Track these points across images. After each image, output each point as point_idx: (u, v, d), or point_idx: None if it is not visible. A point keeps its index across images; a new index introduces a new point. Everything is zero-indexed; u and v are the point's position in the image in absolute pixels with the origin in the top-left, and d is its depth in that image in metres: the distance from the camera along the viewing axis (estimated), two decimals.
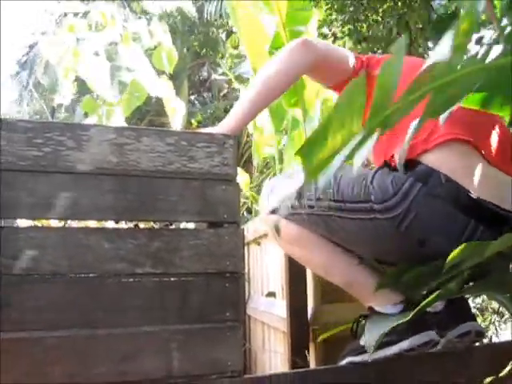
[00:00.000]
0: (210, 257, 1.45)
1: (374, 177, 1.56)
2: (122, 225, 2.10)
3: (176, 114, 6.97)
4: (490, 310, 4.01)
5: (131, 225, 1.57)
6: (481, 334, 1.64)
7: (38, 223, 1.61)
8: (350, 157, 0.82)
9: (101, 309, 1.37)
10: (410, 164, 1.51)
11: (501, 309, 3.85)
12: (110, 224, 1.75)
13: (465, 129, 1.54)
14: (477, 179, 1.49)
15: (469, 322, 1.59)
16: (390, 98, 0.80)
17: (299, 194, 1.63)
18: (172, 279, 1.42)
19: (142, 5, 11.99)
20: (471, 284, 1.58)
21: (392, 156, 1.58)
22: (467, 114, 1.35)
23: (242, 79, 8.94)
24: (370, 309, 1.66)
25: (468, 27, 0.78)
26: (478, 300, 3.89)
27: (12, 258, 1.31)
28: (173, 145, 1.46)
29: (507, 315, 3.81)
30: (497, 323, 4.01)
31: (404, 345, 1.55)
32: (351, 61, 1.79)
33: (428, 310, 1.52)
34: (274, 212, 1.72)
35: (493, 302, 3.76)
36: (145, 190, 1.43)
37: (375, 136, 0.83)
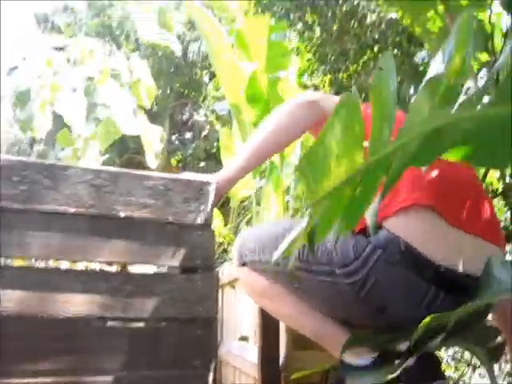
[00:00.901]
0: (182, 302, 1.44)
1: (337, 240, 1.53)
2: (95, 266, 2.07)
3: (152, 151, 6.99)
4: (462, 360, 4.01)
5: (104, 267, 1.56)
6: None
7: (12, 262, 1.59)
8: (356, 206, 0.83)
9: (70, 353, 1.34)
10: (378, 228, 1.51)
11: (473, 360, 3.85)
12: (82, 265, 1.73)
13: (426, 191, 1.52)
14: (437, 245, 1.48)
15: (438, 381, 1.58)
16: (385, 133, 0.80)
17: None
18: (143, 324, 1.40)
19: (130, 40, 12.10)
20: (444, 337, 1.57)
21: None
22: (430, 173, 1.37)
23: (223, 121, 9.01)
24: (341, 362, 1.65)
25: (458, 67, 0.79)
26: (450, 351, 3.90)
27: None
28: (150, 188, 1.46)
29: (479, 366, 3.81)
30: (469, 373, 4.00)
31: None
32: None
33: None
34: (243, 265, 1.73)
35: (466, 352, 3.76)
36: (119, 233, 1.43)
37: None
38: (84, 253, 1.41)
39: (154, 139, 6.95)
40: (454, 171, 1.57)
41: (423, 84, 0.81)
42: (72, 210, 1.39)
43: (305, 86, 3.71)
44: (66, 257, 1.45)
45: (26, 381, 1.30)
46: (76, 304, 1.36)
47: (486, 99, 0.81)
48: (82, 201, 1.40)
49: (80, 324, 1.37)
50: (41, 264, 1.77)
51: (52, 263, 1.77)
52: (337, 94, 3.44)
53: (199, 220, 1.49)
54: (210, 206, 1.51)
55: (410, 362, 1.47)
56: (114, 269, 1.64)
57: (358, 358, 1.61)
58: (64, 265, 1.67)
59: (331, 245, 1.53)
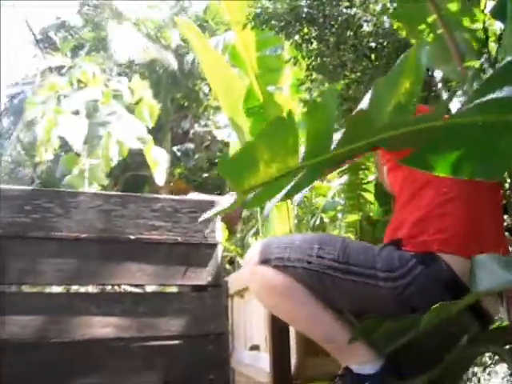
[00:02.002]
0: (194, 320, 1.49)
1: (381, 249, 1.66)
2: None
3: (158, 166, 7.03)
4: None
5: (117, 289, 1.61)
6: None
7: (27, 288, 1.64)
8: (293, 192, 0.90)
9: (88, 373, 1.39)
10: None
11: (483, 359, 3.87)
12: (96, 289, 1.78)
13: (460, 240, 1.66)
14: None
15: None
16: (326, 143, 0.87)
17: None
18: (157, 342, 1.45)
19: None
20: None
21: (400, 239, 1.68)
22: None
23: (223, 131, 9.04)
24: (347, 369, 1.68)
25: (411, 87, 0.84)
26: None
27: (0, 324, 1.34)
28: (158, 210, 1.51)
29: (491, 367, 3.83)
30: (480, 375, 4.02)
31: None
32: None
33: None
34: (264, 262, 1.74)
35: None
36: (130, 255, 1.48)
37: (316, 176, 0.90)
38: (97, 276, 1.46)
39: (159, 157, 6.99)
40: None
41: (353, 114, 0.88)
42: (84, 235, 1.44)
43: (305, 102, 3.73)
44: (79, 281, 1.50)
45: None
46: (92, 326, 1.41)
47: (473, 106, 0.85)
48: (93, 226, 1.45)
49: (96, 345, 1.41)
50: (55, 289, 1.81)
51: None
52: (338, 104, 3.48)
53: (207, 239, 1.54)
54: (217, 225, 1.56)
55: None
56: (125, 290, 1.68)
57: (366, 366, 1.64)
58: (77, 289, 1.72)
59: (376, 252, 1.65)
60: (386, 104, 0.85)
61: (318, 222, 4.58)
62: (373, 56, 3.23)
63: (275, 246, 1.75)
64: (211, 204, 1.58)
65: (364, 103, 0.88)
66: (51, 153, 6.38)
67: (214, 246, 1.54)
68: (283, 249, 1.73)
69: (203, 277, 1.52)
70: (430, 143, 0.89)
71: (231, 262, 6.03)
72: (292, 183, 0.91)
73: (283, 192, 0.93)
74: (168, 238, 1.50)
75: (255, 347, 4.17)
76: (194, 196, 1.69)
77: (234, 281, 4.68)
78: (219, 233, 1.57)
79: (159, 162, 7.21)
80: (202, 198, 1.66)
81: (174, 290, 1.62)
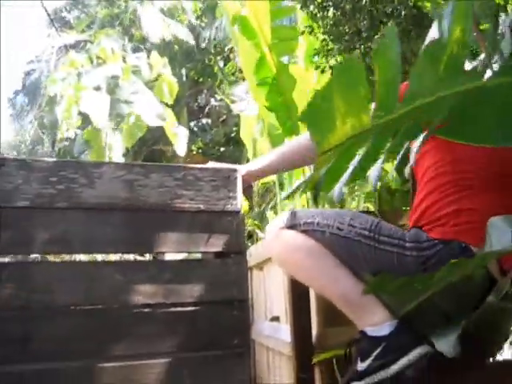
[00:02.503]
0: (217, 286, 1.51)
1: (410, 229, 1.79)
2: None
3: (179, 140, 7.07)
4: None
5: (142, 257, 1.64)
6: None
7: (54, 258, 1.67)
8: (363, 166, 0.88)
9: (115, 339, 1.43)
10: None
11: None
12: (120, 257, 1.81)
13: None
14: None
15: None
16: (392, 97, 0.84)
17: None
18: (182, 309, 1.48)
19: (141, 34, 12.14)
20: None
21: (422, 225, 1.77)
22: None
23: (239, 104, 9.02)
24: (362, 333, 1.72)
25: (458, 37, 0.82)
26: None
27: (30, 292, 1.37)
28: (180, 179, 1.53)
29: None
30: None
31: (403, 361, 1.60)
32: None
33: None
34: (291, 228, 1.79)
35: None
36: (154, 224, 1.50)
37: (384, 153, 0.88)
38: (121, 245, 1.49)
39: (178, 131, 7.03)
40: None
41: (423, 49, 0.83)
42: (108, 204, 1.47)
43: (322, 71, 3.72)
44: (104, 250, 1.53)
45: (76, 365, 1.40)
46: (117, 294, 1.44)
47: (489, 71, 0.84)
48: (117, 195, 1.48)
49: (122, 312, 1.45)
50: (81, 258, 1.85)
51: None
52: None
53: (229, 206, 1.56)
54: (238, 192, 1.58)
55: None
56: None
57: (380, 328, 1.67)
58: (102, 257, 1.75)
59: (403, 231, 1.78)
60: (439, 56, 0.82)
61: (336, 194, 4.58)
62: (389, 23, 3.22)
63: (303, 213, 1.80)
64: (233, 172, 1.60)
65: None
66: (72, 130, 6.43)
67: (235, 213, 1.57)
68: (312, 216, 1.78)
69: (226, 244, 1.54)
70: (464, 108, 0.88)
71: (250, 235, 6.07)
72: (364, 150, 0.89)
73: (354, 163, 0.90)
74: (191, 207, 1.53)
75: (275, 318, 4.22)
76: (214, 165, 1.71)
77: (253, 253, 4.72)
78: (241, 201, 1.59)
79: (179, 136, 7.25)
80: (223, 165, 1.68)
81: (197, 257, 1.65)
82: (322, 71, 3.74)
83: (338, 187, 0.97)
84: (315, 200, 1.02)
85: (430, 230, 1.74)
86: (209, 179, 1.56)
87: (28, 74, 15.58)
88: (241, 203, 1.59)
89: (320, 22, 3.61)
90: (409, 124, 0.87)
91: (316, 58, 3.98)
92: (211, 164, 1.74)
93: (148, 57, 7.26)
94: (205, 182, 1.55)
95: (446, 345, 1.48)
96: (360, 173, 0.94)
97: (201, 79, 13.91)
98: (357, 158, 0.91)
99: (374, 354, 1.65)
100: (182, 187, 1.53)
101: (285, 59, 5.25)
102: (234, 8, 5.45)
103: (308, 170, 5.27)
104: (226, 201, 1.56)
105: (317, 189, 0.98)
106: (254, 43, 5.23)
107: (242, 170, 1.72)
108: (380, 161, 0.93)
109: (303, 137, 1.90)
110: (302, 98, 5.23)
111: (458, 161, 1.77)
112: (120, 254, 1.63)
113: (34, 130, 15.36)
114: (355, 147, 0.90)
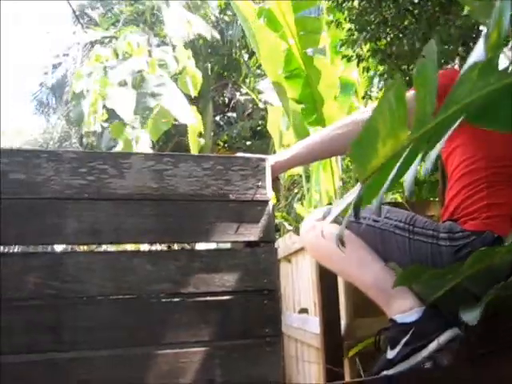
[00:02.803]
0: (248, 275, 1.51)
1: (444, 222, 1.83)
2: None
3: (197, 146, 7.08)
4: None
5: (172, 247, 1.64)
6: None
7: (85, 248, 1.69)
8: (400, 176, 0.90)
9: (146, 328, 1.43)
10: None
11: None
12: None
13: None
14: None
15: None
16: (428, 110, 0.86)
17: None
18: (213, 298, 1.48)
19: (165, 31, 12.18)
20: None
21: (456, 219, 1.81)
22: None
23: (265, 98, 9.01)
24: (391, 321, 1.72)
25: (495, 42, 0.82)
26: None
27: (61, 282, 1.38)
28: (209, 169, 1.53)
29: None
30: None
31: (433, 346, 1.60)
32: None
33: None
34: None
35: None
36: (183, 213, 1.50)
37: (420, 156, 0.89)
38: (151, 235, 1.49)
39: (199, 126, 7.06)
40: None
41: (467, 67, 0.85)
42: (137, 195, 1.47)
43: (349, 59, 3.69)
44: (134, 240, 1.54)
45: (106, 353, 1.41)
46: (148, 283, 1.45)
47: None
48: (146, 185, 1.48)
49: (153, 301, 1.45)
50: (111, 248, 1.86)
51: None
52: (382, 62, 3.43)
53: (258, 196, 1.55)
54: (267, 182, 1.57)
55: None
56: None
57: (409, 314, 1.67)
58: (132, 247, 1.76)
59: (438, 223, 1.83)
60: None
61: None
62: (415, 11, 3.18)
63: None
64: (262, 161, 1.60)
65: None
66: (99, 124, 6.48)
67: (265, 202, 1.56)
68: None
69: (255, 233, 1.54)
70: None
71: (277, 228, 6.06)
72: (400, 161, 0.91)
73: (391, 176, 0.93)
74: (220, 196, 1.52)
75: (304, 310, 4.22)
76: (242, 154, 1.71)
77: (281, 246, 4.72)
78: (270, 190, 1.58)
79: (199, 144, 7.26)
80: (252, 156, 1.67)
81: (227, 246, 1.65)
82: (349, 60, 3.71)
83: (377, 201, 1.00)
84: (356, 215, 1.04)
85: (463, 223, 1.77)
86: (238, 169, 1.55)
87: (54, 69, 15.74)
88: (270, 192, 1.58)
89: (345, 12, 3.58)
90: (443, 132, 0.89)
91: (341, 49, 3.95)
92: (240, 154, 1.74)
93: (173, 50, 7.27)
94: (234, 172, 1.55)
95: (470, 315, 1.49)
96: (397, 181, 0.96)
97: (226, 73, 13.92)
98: (394, 172, 0.94)
99: (403, 340, 1.65)
100: (210, 177, 1.52)
101: (309, 51, 5.23)
102: (246, 6, 5.45)
103: (334, 161, 5.25)
104: (255, 190, 1.56)
105: (357, 205, 1.00)
106: (279, 35, 5.21)
107: (270, 160, 1.71)
108: (414, 167, 0.95)
109: (331, 128, 1.90)
110: (327, 91, 5.22)
111: (488, 158, 1.81)
112: (150, 244, 1.63)
113: (61, 127, 15.51)
114: (393, 162, 0.94)
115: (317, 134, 1.87)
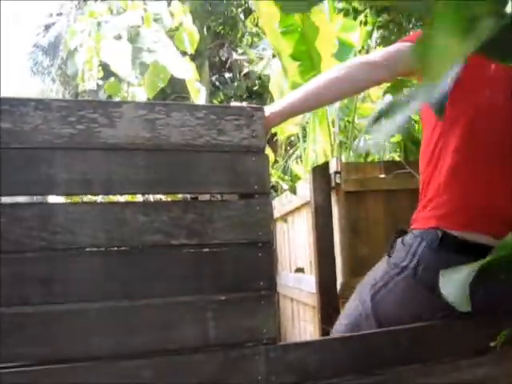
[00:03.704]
0: (242, 227, 1.48)
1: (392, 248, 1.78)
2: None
3: (199, 95, 6.97)
4: None
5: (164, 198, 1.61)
6: None
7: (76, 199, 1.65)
8: None
9: (139, 280, 1.41)
10: None
11: None
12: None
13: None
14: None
15: None
16: None
17: None
18: (206, 250, 1.45)
19: None
20: None
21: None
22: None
23: (261, 57, 8.90)
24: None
25: None
26: None
27: (52, 234, 1.35)
28: (202, 118, 1.48)
29: None
30: None
31: None
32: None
33: None
34: None
35: None
36: (176, 164, 1.46)
37: None
38: (143, 185, 1.46)
39: (199, 86, 6.93)
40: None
41: None
42: (129, 144, 1.43)
43: (341, 10, 3.63)
44: (127, 191, 1.50)
45: (101, 305, 1.39)
46: (141, 234, 1.42)
47: None
48: (138, 135, 1.44)
49: (146, 253, 1.43)
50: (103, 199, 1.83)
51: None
52: (377, 14, 3.37)
53: (253, 146, 1.51)
54: (262, 132, 1.53)
55: None
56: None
57: None
58: (124, 198, 1.72)
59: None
60: None
61: (361, 144, 4.53)
62: None
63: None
64: (257, 110, 1.55)
65: None
66: (94, 81, 6.37)
67: (259, 153, 1.52)
68: None
69: (250, 184, 1.50)
70: None
71: (275, 189, 6.03)
72: None
73: None
74: (213, 146, 1.48)
75: (300, 270, 4.22)
76: (237, 104, 1.67)
77: (277, 206, 4.69)
78: (265, 140, 1.54)
79: (200, 91, 7.16)
80: (246, 105, 1.63)
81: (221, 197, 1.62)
82: (346, 14, 3.64)
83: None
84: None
85: (412, 223, 1.78)
86: (231, 118, 1.51)
87: (47, 26, 15.51)
88: (265, 143, 1.54)
89: None
90: None
91: (339, 5, 3.88)
92: (234, 104, 1.70)
93: (169, 5, 7.13)
94: (227, 121, 1.50)
95: None
96: None
97: (222, 31, 13.73)
98: None
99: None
100: (203, 126, 1.48)
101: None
102: None
103: (331, 121, 5.19)
104: (249, 140, 1.51)
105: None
106: None
107: (265, 111, 1.66)
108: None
109: (328, 72, 1.80)
110: (325, 48, 5.12)
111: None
112: (142, 195, 1.60)
113: (56, 86, 15.35)
114: None
115: (313, 80, 1.78)
